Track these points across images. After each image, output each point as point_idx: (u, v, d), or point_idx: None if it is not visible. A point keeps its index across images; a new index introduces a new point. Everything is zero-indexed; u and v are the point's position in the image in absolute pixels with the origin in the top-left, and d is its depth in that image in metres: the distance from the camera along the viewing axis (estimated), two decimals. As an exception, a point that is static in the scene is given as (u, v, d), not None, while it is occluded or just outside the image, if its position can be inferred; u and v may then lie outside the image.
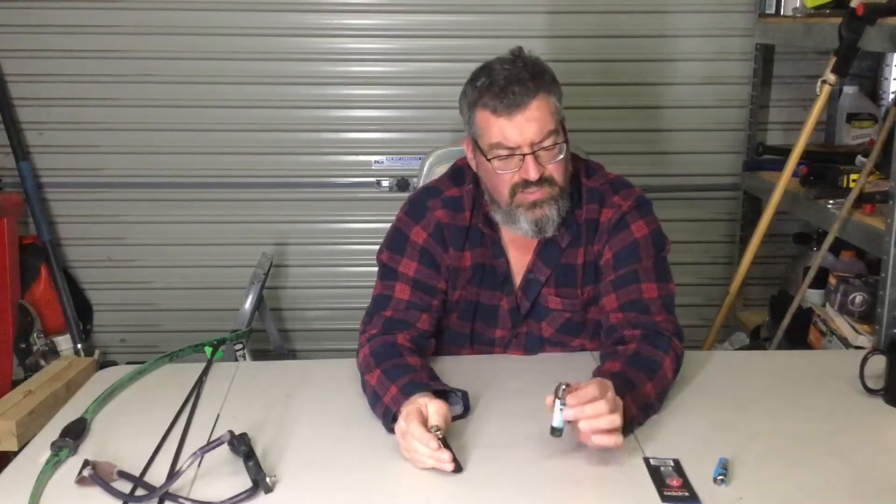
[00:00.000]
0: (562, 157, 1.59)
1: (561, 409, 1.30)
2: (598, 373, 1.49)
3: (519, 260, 1.73)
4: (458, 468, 1.31)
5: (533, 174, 1.56)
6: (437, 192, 1.74)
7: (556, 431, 1.31)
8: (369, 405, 1.52)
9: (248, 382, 1.68)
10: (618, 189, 1.71)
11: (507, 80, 1.55)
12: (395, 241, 1.72)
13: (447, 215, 1.70)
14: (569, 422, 1.30)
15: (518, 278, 1.73)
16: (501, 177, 1.59)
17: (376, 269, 1.75)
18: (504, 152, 1.56)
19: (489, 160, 1.59)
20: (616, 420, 1.30)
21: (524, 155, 1.55)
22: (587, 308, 1.73)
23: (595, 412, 1.29)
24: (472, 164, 1.68)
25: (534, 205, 1.59)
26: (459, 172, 1.75)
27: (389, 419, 1.43)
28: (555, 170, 1.59)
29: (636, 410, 1.42)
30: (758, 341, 2.72)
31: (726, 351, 2.71)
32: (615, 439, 1.31)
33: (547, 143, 1.56)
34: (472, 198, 1.70)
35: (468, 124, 1.63)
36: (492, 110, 1.55)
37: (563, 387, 1.30)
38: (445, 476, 1.30)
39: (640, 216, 1.68)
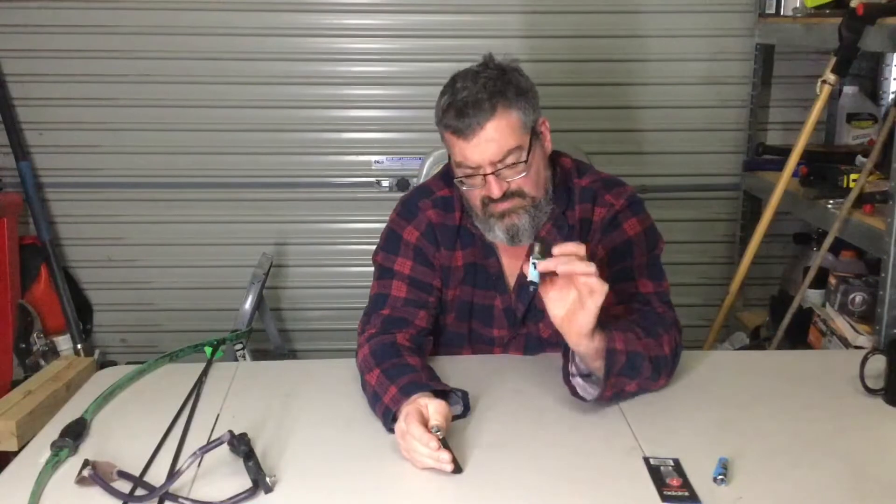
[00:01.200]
0: (525, 174, 1.57)
1: (533, 264, 1.38)
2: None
3: (511, 263, 1.73)
4: (458, 469, 1.31)
5: (495, 192, 1.56)
6: (428, 192, 1.75)
7: (532, 285, 1.40)
8: (369, 405, 1.52)
9: (248, 382, 1.68)
10: (610, 188, 1.71)
11: (464, 101, 1.54)
12: (389, 242, 1.73)
13: (438, 215, 1.71)
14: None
15: (511, 280, 1.73)
16: (468, 193, 1.61)
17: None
18: (468, 171, 1.58)
19: (454, 178, 1.61)
20: (588, 269, 1.36)
21: (485, 175, 1.56)
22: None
23: (572, 250, 1.37)
24: None
25: (503, 214, 1.60)
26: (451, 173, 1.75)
27: (389, 419, 1.43)
28: (522, 183, 1.58)
29: (622, 345, 1.44)
30: (758, 341, 2.72)
31: (726, 351, 2.71)
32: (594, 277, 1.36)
33: (509, 160, 1.55)
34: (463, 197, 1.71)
35: (441, 138, 1.64)
36: (452, 131, 1.56)
37: (538, 246, 1.38)
38: (445, 476, 1.30)
39: (633, 214, 1.68)
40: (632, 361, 1.46)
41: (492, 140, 1.54)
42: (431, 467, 1.31)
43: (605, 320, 1.46)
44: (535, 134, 1.60)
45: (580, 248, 1.37)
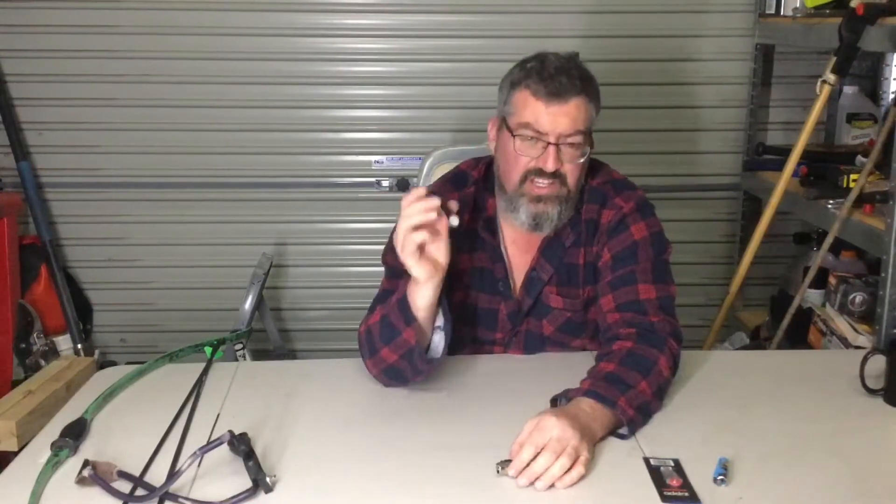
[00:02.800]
0: (582, 160, 1.60)
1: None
2: (591, 373, 1.50)
3: (521, 258, 1.73)
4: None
5: (550, 165, 1.58)
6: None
7: None
8: (384, 341, 1.54)
9: (248, 382, 1.68)
10: (620, 190, 1.71)
11: (558, 69, 1.58)
12: None
13: None
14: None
15: (519, 277, 1.73)
16: (518, 159, 1.60)
17: (376, 268, 1.77)
18: (530, 133, 1.58)
19: (514, 136, 1.60)
20: (564, 462, 1.27)
21: (548, 144, 1.57)
22: (588, 308, 1.73)
23: (541, 469, 1.27)
24: (492, 146, 1.69)
25: (538, 199, 1.60)
26: (461, 176, 1.75)
27: (406, 307, 1.49)
28: (571, 170, 1.60)
29: (633, 412, 1.41)
30: (758, 341, 2.72)
31: (726, 351, 2.71)
32: (575, 474, 1.28)
33: (574, 139, 1.58)
34: (473, 201, 1.71)
35: (503, 102, 1.65)
36: (533, 92, 1.58)
37: (499, 467, 1.29)
38: (445, 476, 1.30)
39: (642, 218, 1.68)
40: (643, 411, 1.45)
41: (569, 115, 1.57)
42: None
43: (604, 383, 1.45)
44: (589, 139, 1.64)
45: (529, 450, 1.28)
